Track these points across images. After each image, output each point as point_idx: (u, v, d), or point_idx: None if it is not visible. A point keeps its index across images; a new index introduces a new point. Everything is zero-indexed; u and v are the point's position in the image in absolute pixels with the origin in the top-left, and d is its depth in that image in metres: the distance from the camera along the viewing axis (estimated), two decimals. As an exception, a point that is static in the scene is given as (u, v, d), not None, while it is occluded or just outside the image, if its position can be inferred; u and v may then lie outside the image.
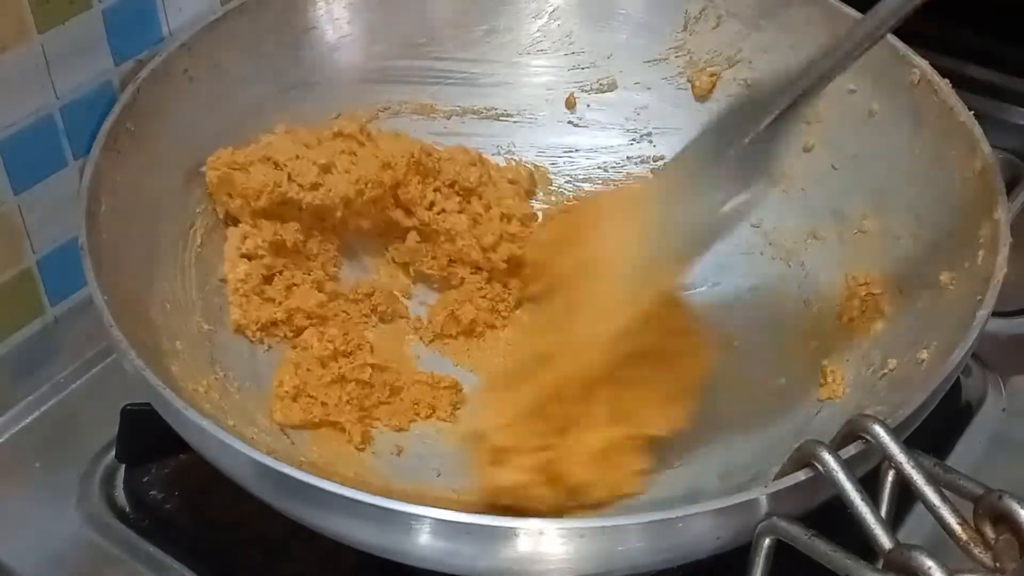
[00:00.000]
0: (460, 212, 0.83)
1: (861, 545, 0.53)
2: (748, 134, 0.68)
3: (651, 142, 0.90)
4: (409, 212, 0.83)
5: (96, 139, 0.72)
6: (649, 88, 0.90)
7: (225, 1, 0.83)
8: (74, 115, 0.77)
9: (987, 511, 0.52)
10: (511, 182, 0.86)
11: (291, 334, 0.78)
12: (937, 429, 0.72)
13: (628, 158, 0.90)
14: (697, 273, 0.84)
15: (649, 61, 0.90)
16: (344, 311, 0.81)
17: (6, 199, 0.76)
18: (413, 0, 0.89)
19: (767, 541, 0.56)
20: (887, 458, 0.55)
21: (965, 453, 0.78)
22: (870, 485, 0.56)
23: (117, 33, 0.78)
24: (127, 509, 0.75)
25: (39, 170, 0.77)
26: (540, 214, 0.87)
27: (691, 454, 0.73)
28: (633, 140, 0.90)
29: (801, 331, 0.79)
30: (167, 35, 0.82)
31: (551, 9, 0.91)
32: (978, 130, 0.73)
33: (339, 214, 0.80)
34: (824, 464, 0.55)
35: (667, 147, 0.89)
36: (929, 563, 0.49)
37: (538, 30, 0.91)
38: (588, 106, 0.91)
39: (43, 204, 0.78)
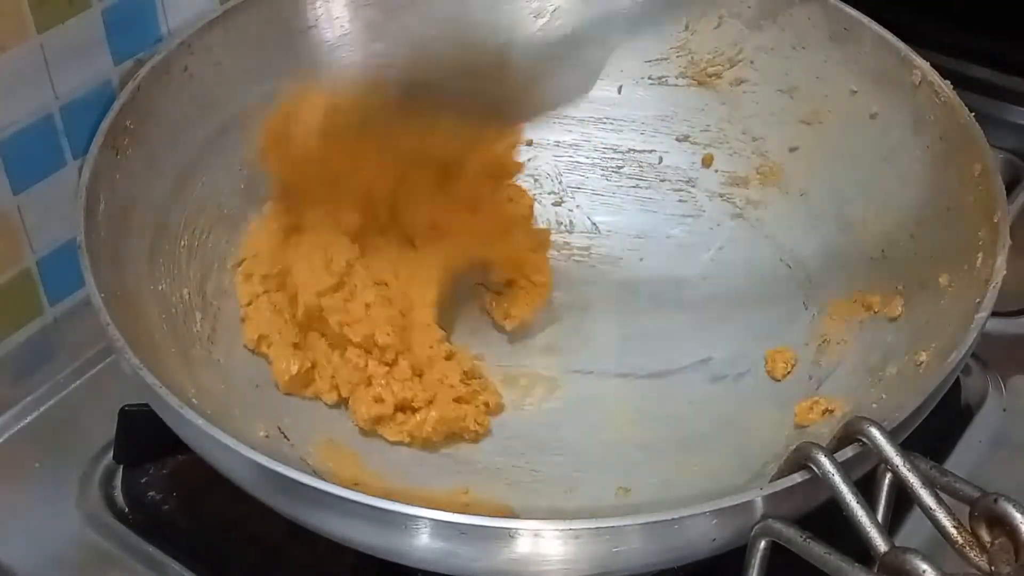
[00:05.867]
0: None
1: (857, 548, 0.53)
2: None
3: (650, 140, 0.90)
4: None
5: (95, 137, 0.72)
6: (650, 87, 0.90)
7: (224, 0, 0.83)
8: (74, 115, 0.77)
9: (983, 514, 0.52)
10: None
11: None
12: (937, 429, 0.72)
13: (626, 152, 0.90)
14: (696, 272, 0.85)
15: (651, 61, 0.90)
16: None
17: (5, 199, 0.76)
18: (413, -1, 0.89)
19: (763, 543, 0.56)
20: (883, 461, 0.55)
21: (965, 453, 0.78)
22: (868, 487, 0.56)
23: (116, 33, 0.78)
24: (126, 509, 0.75)
25: (38, 170, 0.77)
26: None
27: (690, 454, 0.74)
28: (633, 138, 0.90)
29: (800, 332, 0.79)
30: (166, 35, 0.81)
31: (552, 8, 0.91)
32: (979, 132, 0.73)
33: None
34: (820, 466, 0.55)
35: (665, 145, 0.89)
36: (924, 566, 0.49)
37: (539, 29, 0.91)
38: (589, 104, 0.91)
39: (42, 204, 0.78)
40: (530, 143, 0.91)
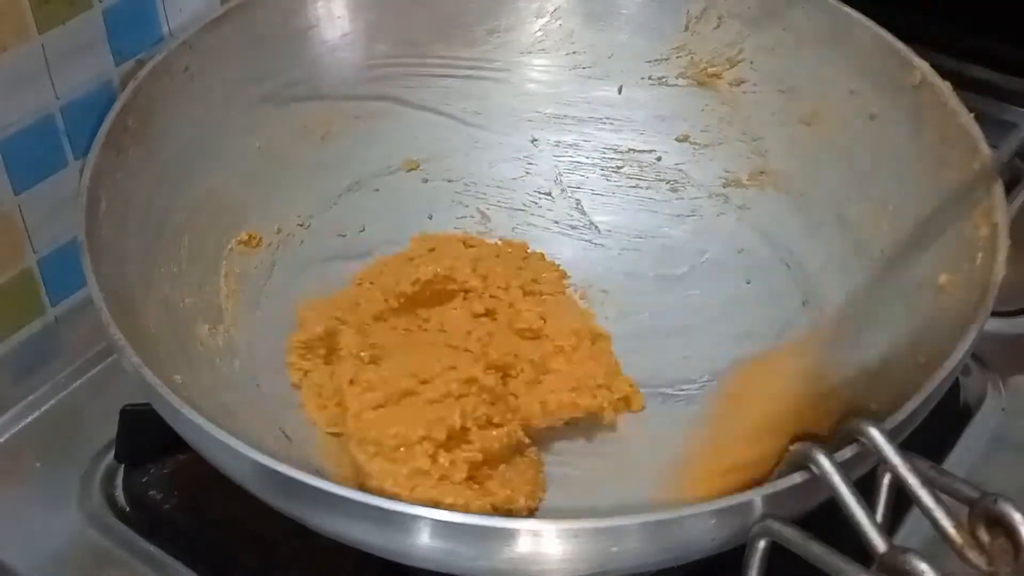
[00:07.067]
0: None
1: (857, 548, 0.53)
2: None
3: (650, 140, 0.90)
4: None
5: (96, 136, 0.72)
6: (650, 87, 0.90)
7: (225, 0, 0.84)
8: (74, 115, 0.77)
9: (982, 514, 0.52)
10: None
11: None
12: (937, 429, 0.72)
13: (626, 152, 0.91)
14: (696, 273, 0.85)
15: (650, 61, 0.90)
16: None
17: (6, 199, 0.76)
18: (414, -1, 0.89)
19: (762, 543, 0.56)
20: (882, 461, 0.55)
21: (965, 453, 0.78)
22: (868, 487, 0.56)
23: (117, 33, 0.78)
24: (127, 509, 0.75)
25: (39, 170, 0.77)
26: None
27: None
28: (633, 138, 0.90)
29: (800, 332, 0.79)
30: (167, 35, 0.82)
31: (552, 8, 0.91)
32: (978, 132, 0.73)
33: None
34: (819, 466, 0.55)
35: (664, 144, 0.90)
36: (922, 566, 0.49)
37: (539, 29, 0.91)
38: (589, 104, 0.92)
39: (43, 204, 0.78)
40: (533, 141, 0.91)
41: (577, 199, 0.90)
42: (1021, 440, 0.79)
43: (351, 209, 0.86)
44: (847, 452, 0.57)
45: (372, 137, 0.88)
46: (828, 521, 0.55)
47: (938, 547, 0.54)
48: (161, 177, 0.77)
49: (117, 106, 0.74)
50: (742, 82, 0.87)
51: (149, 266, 0.73)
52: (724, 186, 0.88)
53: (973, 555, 0.52)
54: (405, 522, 0.56)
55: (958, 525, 0.53)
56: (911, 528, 0.68)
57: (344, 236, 0.85)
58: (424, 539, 0.56)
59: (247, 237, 0.81)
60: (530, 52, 0.91)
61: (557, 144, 0.91)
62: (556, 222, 0.89)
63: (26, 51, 0.73)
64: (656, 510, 0.55)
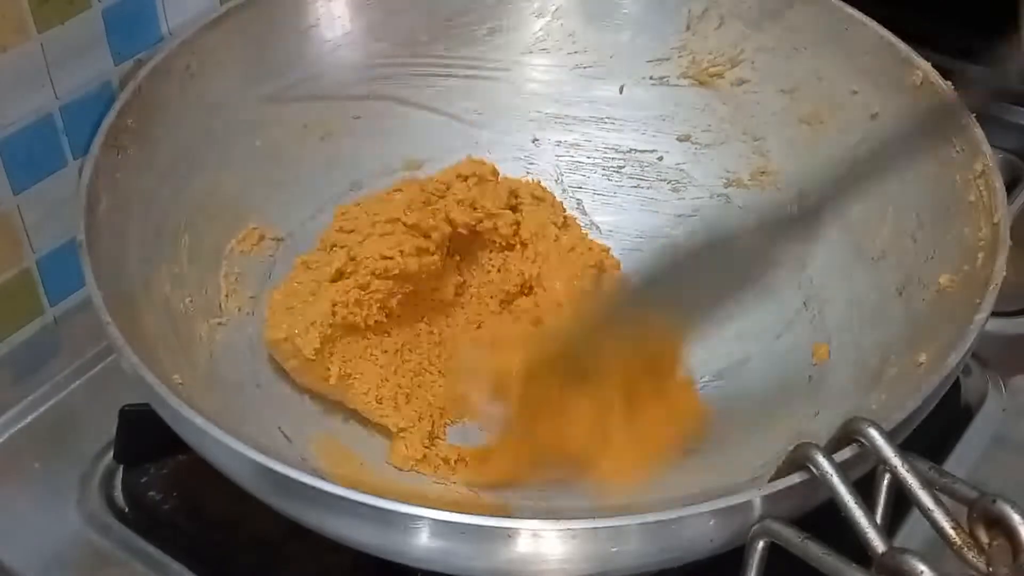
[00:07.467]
0: None
1: (856, 548, 0.53)
2: None
3: (651, 140, 0.90)
4: None
5: (96, 135, 0.72)
6: (651, 87, 0.90)
7: (225, 0, 0.83)
8: (74, 115, 0.77)
9: (981, 515, 0.52)
10: None
11: None
12: (937, 429, 0.72)
13: (627, 152, 0.90)
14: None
15: (652, 61, 0.90)
16: None
17: (6, 199, 0.76)
18: (415, -2, 0.89)
19: (761, 543, 0.56)
20: (881, 461, 0.55)
21: (965, 453, 0.78)
22: (867, 487, 0.56)
23: (117, 33, 0.78)
24: (126, 509, 0.75)
25: (39, 170, 0.77)
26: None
27: (688, 455, 0.74)
28: (634, 138, 0.90)
29: (800, 332, 0.79)
30: (167, 35, 0.82)
31: (554, 8, 0.91)
32: (979, 133, 0.73)
33: None
34: (818, 467, 0.55)
35: (666, 145, 0.89)
36: (921, 567, 0.49)
37: (541, 29, 0.91)
38: (590, 104, 0.91)
39: (43, 204, 0.78)
40: (535, 141, 0.91)
41: (578, 199, 0.90)
42: (1021, 440, 0.79)
43: (352, 209, 0.86)
44: (846, 452, 0.57)
45: (373, 137, 0.88)
46: (827, 522, 0.55)
47: (938, 548, 0.54)
48: (161, 177, 0.77)
49: (117, 106, 0.74)
50: (743, 82, 0.87)
51: (149, 266, 0.73)
52: (725, 186, 0.88)
53: (972, 555, 0.52)
54: (404, 522, 0.56)
55: (957, 526, 0.53)
56: (911, 529, 0.68)
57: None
58: (423, 539, 0.56)
59: (247, 237, 0.81)
60: (531, 52, 0.91)
61: (558, 144, 0.91)
62: (557, 223, 0.89)
63: (26, 51, 0.73)
64: (655, 510, 0.55)
